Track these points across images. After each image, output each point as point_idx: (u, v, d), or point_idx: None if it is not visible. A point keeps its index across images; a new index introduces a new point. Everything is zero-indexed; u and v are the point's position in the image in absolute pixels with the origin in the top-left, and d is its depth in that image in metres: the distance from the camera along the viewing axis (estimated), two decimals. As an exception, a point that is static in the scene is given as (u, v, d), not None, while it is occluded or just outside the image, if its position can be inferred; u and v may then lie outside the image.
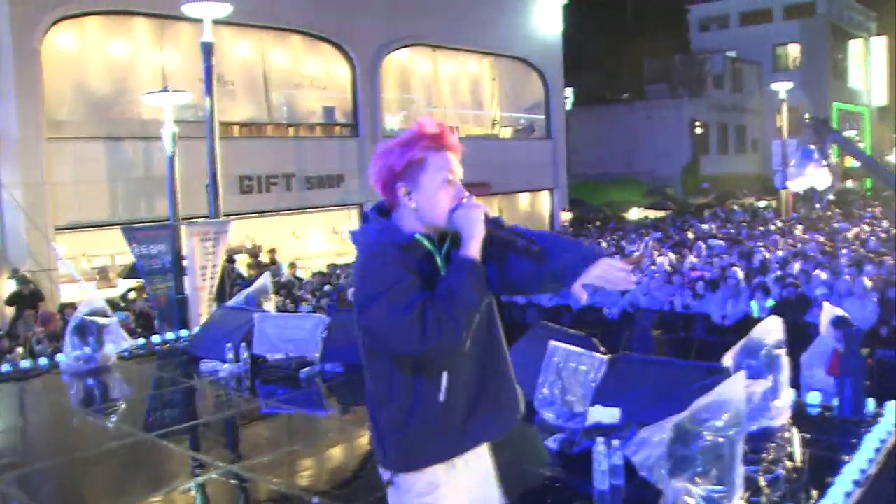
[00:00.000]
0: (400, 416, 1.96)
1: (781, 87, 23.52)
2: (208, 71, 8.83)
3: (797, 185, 23.25)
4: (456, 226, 1.94)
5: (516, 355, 4.50)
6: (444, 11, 18.79)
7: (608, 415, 3.45)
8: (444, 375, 1.97)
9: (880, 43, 43.86)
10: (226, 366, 5.59)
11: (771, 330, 3.90)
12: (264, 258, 15.21)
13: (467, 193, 2.00)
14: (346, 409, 5.03)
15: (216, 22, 9.12)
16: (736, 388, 2.74)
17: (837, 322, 4.59)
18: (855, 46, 43.21)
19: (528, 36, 21.76)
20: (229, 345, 5.67)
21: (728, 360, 3.74)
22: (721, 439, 2.63)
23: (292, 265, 14.35)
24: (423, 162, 1.94)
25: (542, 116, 23.06)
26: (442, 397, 1.96)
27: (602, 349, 4.08)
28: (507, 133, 22.28)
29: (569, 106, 37.56)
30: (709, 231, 17.48)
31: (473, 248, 1.91)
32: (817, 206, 24.79)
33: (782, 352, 3.89)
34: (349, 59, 17.17)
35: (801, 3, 39.38)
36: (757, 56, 37.62)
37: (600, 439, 3.15)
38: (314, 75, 16.93)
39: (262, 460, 3.87)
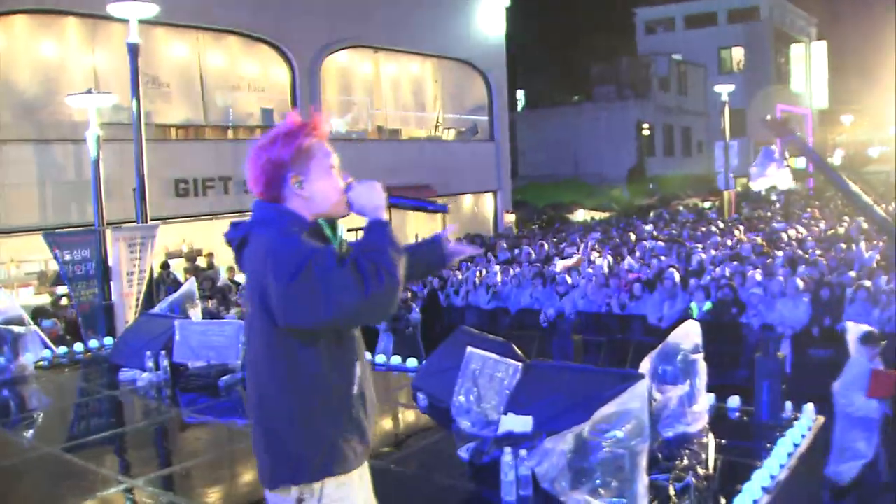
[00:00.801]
0: (313, 413, 1.90)
1: (724, 90, 24.05)
2: (134, 72, 8.64)
3: (759, 184, 23.69)
4: (355, 203, 1.98)
5: (436, 360, 4.56)
6: (385, 13, 18.77)
7: (520, 423, 3.41)
8: (357, 365, 1.98)
9: (821, 47, 45.33)
10: (145, 375, 5.50)
11: (688, 334, 3.89)
12: (202, 262, 14.94)
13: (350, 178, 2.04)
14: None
15: (150, 22, 8.96)
16: (637, 398, 2.71)
17: (866, 338, 4.36)
18: (797, 50, 44.57)
19: (471, 38, 21.89)
20: (149, 353, 5.57)
21: (645, 365, 3.73)
22: (621, 450, 2.59)
23: (231, 269, 14.08)
24: (311, 150, 1.97)
25: (486, 118, 23.19)
26: (355, 389, 1.95)
27: (520, 356, 4.03)
28: (450, 135, 22.38)
29: (519, 108, 38.01)
30: (650, 232, 17.65)
31: (381, 214, 1.94)
32: (777, 205, 25.26)
33: (699, 356, 3.89)
34: (288, 60, 17.02)
35: (745, 8, 40.49)
36: (702, 59, 38.59)
37: (508, 449, 3.10)
38: (252, 77, 16.76)
39: (181, 471, 3.84)
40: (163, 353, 5.52)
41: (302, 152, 1.95)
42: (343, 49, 18.60)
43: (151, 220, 9.11)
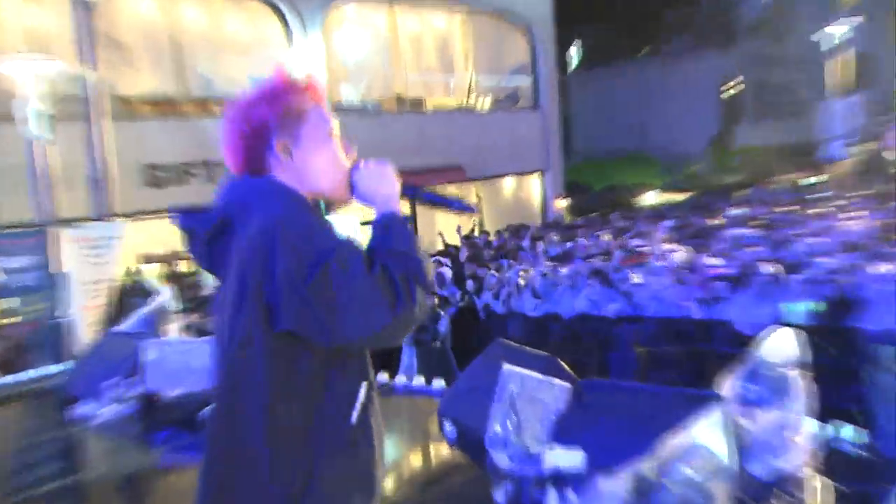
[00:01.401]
0: (300, 451, 1.84)
1: (837, 31, 23.27)
2: (87, 31, 8.68)
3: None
4: (361, 187, 2.01)
5: (467, 381, 4.53)
6: (403, -47, 18.82)
7: (568, 458, 3.36)
8: (362, 389, 1.92)
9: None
10: (107, 407, 5.54)
11: (784, 344, 3.80)
12: (182, 267, 15.07)
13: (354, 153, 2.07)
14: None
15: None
16: (716, 425, 2.65)
17: None
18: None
19: (509, -18, 21.88)
20: (113, 380, 5.59)
21: (727, 383, 3.64)
22: (694, 493, 2.52)
23: (219, 275, 14.26)
24: (302, 111, 2.00)
25: (529, 82, 23.07)
26: (354, 418, 1.89)
27: (569, 373, 4.00)
28: (485, 104, 22.34)
29: (571, 68, 37.79)
30: (738, 217, 17.46)
31: (395, 205, 1.98)
32: None
33: (799, 372, 3.79)
34: (282, 17, 17.07)
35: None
36: None
37: (553, 490, 3.05)
38: (240, 38, 16.84)
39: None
40: (130, 380, 5.54)
41: (291, 113, 1.98)
42: (352, 1, 18.57)
43: (117, 216, 9.13)
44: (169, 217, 2.18)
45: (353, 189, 2.03)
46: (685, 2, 34.91)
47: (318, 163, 2.00)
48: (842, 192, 23.33)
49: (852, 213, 16.15)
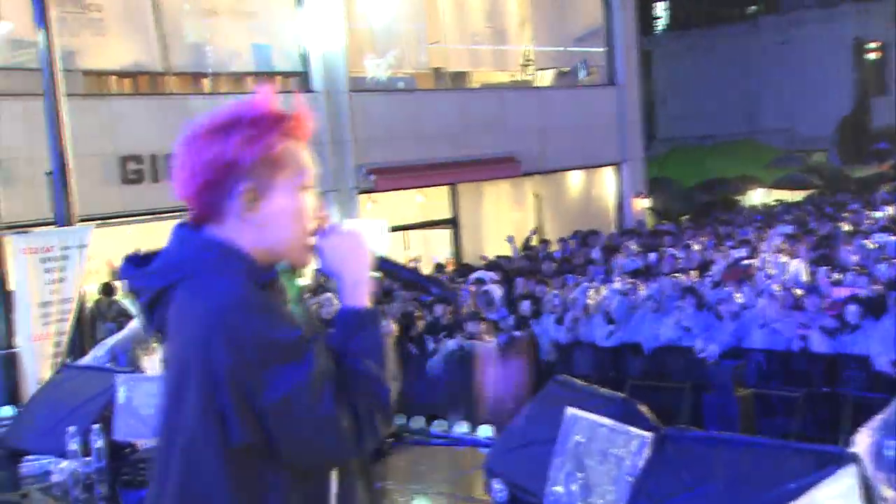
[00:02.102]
0: None
1: None
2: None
3: None
4: (328, 258, 2.12)
5: (522, 428, 4.51)
6: None
7: (650, 531, 3.33)
8: (334, 476, 2.08)
9: None
10: (65, 463, 5.50)
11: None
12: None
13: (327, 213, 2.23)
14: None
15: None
16: (845, 494, 2.60)
17: None
18: None
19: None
20: (73, 428, 5.60)
21: (862, 439, 3.58)
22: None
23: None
24: (283, 157, 2.06)
25: (602, 51, 23.02)
26: None
27: (651, 421, 3.98)
28: (545, 79, 22.35)
29: (657, 31, 37.63)
30: (880, 221, 17.27)
31: (365, 295, 2.10)
32: None
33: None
34: (290, -32, 17.17)
35: None
36: None
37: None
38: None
39: None
40: (96, 427, 5.48)
41: (270, 158, 2.03)
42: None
43: (81, 220, 9.22)
44: (118, 266, 2.22)
45: (319, 257, 2.12)
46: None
47: (284, 222, 2.07)
48: None
49: None
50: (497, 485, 4.44)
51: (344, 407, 1.92)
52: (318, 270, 2.19)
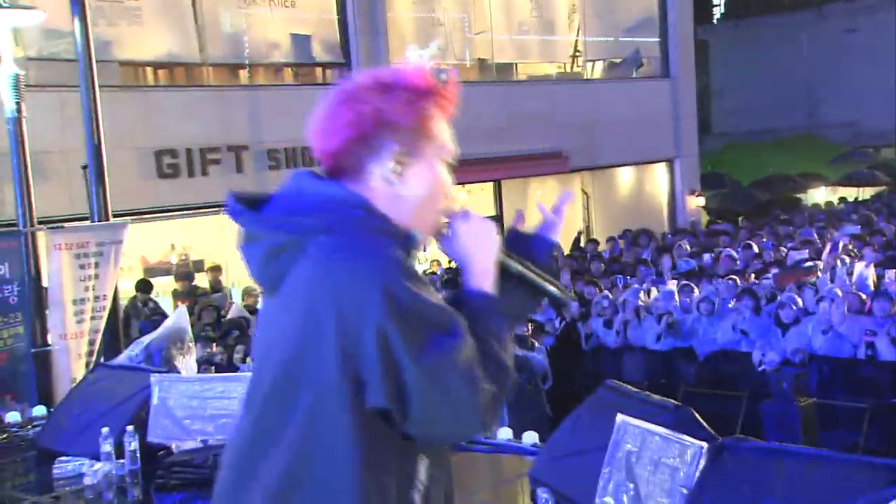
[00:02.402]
0: None
1: None
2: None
3: None
4: (460, 242, 2.16)
5: (569, 435, 4.47)
6: None
7: (707, 547, 3.30)
8: (423, 461, 2.09)
9: None
10: (98, 465, 5.54)
11: None
12: (202, 282, 15.27)
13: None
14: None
15: None
16: None
17: None
18: None
19: None
20: (106, 430, 5.64)
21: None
22: None
23: (248, 292, 14.39)
24: (431, 126, 2.12)
25: (655, 41, 22.96)
26: (417, 498, 2.07)
27: (707, 430, 3.92)
28: (595, 71, 22.36)
29: (713, 20, 37.46)
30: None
31: (491, 283, 2.15)
32: None
33: None
34: (330, -43, 17.23)
35: None
36: None
37: None
38: (276, -13, 17.00)
39: None
40: (130, 429, 5.49)
41: (425, 125, 2.09)
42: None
43: (116, 215, 9.29)
44: (224, 207, 2.20)
45: (446, 239, 2.17)
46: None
47: (425, 192, 2.11)
48: None
49: None
50: (543, 494, 4.41)
51: (480, 384, 1.94)
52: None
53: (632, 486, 3.83)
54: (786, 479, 3.45)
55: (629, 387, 4.62)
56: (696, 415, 4.05)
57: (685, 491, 3.64)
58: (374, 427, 1.97)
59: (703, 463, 3.65)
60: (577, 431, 4.50)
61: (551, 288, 2.26)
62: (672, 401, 4.25)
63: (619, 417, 3.98)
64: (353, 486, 1.97)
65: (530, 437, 5.57)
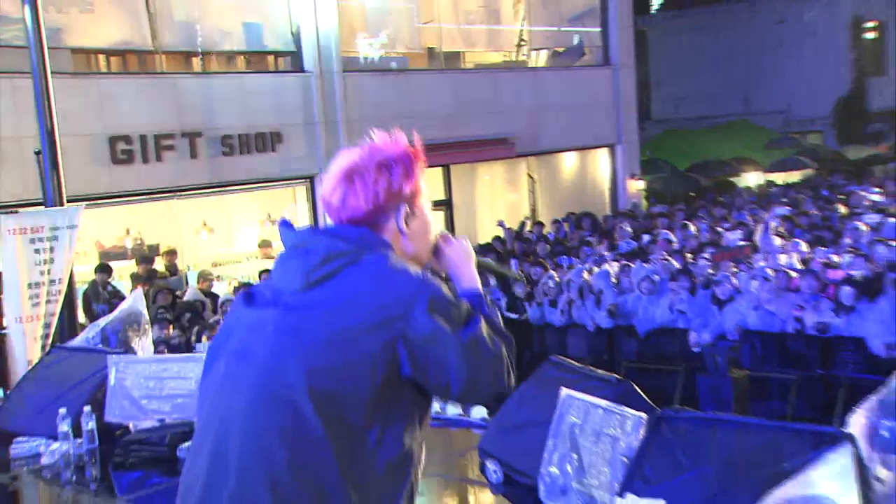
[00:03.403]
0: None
1: None
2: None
3: None
4: (449, 258, 2.72)
5: (515, 410, 4.52)
6: None
7: (647, 511, 3.35)
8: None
9: None
10: (56, 445, 5.51)
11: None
12: (159, 265, 15.18)
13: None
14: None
15: None
16: (841, 474, 2.74)
17: None
18: None
19: None
20: (64, 410, 5.60)
21: (857, 420, 3.60)
22: (810, 557, 2.50)
23: (204, 276, 14.33)
24: (420, 185, 2.62)
25: (597, 31, 23.04)
26: (414, 475, 2.49)
27: (646, 402, 4.03)
28: (539, 59, 22.37)
29: (652, 10, 37.55)
30: (876, 204, 17.32)
31: (477, 283, 2.71)
32: None
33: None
34: (282, -54, 17.09)
35: None
36: None
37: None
38: (227, -26, 16.86)
39: None
40: (87, 409, 5.46)
41: (416, 187, 2.59)
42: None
43: (70, 200, 9.19)
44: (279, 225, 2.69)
45: (438, 258, 2.72)
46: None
47: (423, 234, 2.64)
48: None
49: None
50: (491, 465, 4.47)
51: (501, 349, 2.48)
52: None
53: (575, 456, 3.88)
54: (720, 446, 3.52)
55: (573, 362, 4.66)
56: (637, 388, 4.14)
57: (626, 460, 3.70)
58: (404, 395, 2.43)
59: (642, 433, 3.72)
60: (524, 405, 4.53)
61: (508, 272, 3.07)
62: (614, 375, 4.32)
63: (564, 391, 4.04)
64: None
65: (479, 412, 5.62)
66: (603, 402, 3.91)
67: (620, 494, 3.59)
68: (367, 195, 2.51)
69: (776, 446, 3.38)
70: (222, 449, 2.38)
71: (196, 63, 16.52)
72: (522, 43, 21.91)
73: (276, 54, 17.58)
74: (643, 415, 3.78)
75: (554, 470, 3.93)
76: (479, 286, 2.70)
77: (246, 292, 2.60)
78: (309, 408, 2.33)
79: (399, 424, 2.43)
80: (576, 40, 23.01)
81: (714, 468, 3.46)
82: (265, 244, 16.68)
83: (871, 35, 33.54)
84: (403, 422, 2.44)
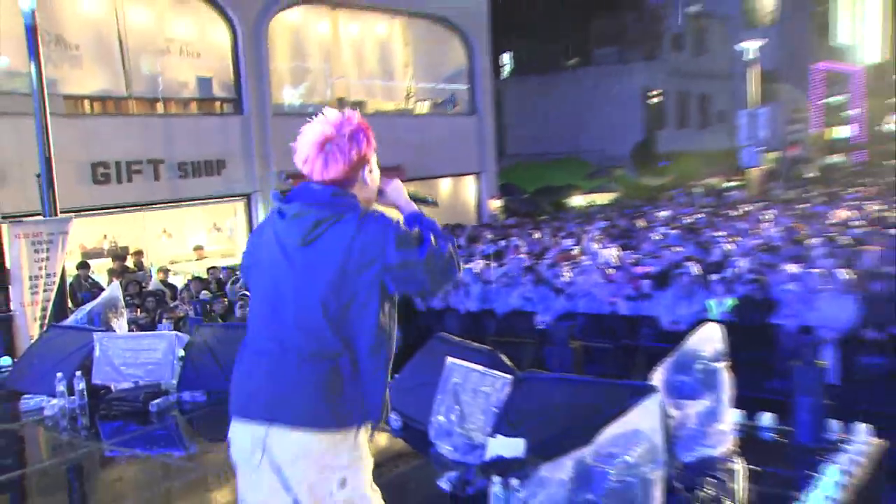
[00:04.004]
0: (382, 370, 2.60)
1: (751, 46, 23.78)
2: (31, 30, 8.58)
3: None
4: (394, 196, 2.74)
5: (410, 374, 4.54)
6: (344, -39, 18.71)
7: (511, 447, 3.41)
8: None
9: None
10: (55, 401, 5.42)
11: (708, 339, 3.87)
12: (130, 262, 14.84)
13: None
14: (208, 446, 4.93)
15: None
16: (650, 415, 2.70)
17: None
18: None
19: (447, -10, 21.82)
20: (60, 374, 5.49)
21: (658, 376, 3.71)
22: (631, 479, 2.57)
23: (163, 270, 14.06)
24: (372, 147, 2.66)
25: (466, 87, 23.19)
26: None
27: (509, 367, 4.04)
28: (423, 108, 22.36)
29: (505, 74, 37.96)
30: (662, 219, 17.80)
31: (413, 207, 2.74)
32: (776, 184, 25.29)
33: (723, 365, 3.87)
34: (228, 19, 16.84)
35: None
36: (725, 10, 37.07)
37: (497, 478, 3.09)
38: (185, 39, 16.54)
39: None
40: (78, 373, 5.45)
41: (372, 149, 2.64)
42: (295, 5, 18.41)
43: (63, 212, 9.03)
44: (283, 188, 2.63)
45: (381, 196, 2.73)
46: (611, 16, 35.29)
47: (375, 183, 2.69)
48: (757, 195, 24.00)
49: (767, 215, 16.63)
50: (393, 416, 4.49)
51: (449, 249, 2.55)
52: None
53: (458, 407, 3.94)
54: (565, 398, 3.61)
55: (454, 337, 4.71)
56: (503, 357, 4.18)
57: (496, 410, 3.77)
58: (391, 308, 2.59)
59: (508, 390, 3.80)
60: (417, 370, 4.58)
61: (428, 196, 2.94)
62: (486, 347, 4.35)
63: (448, 360, 4.10)
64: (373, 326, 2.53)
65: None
66: (478, 367, 3.97)
67: (492, 436, 3.64)
68: (344, 160, 2.55)
69: (605, 397, 3.48)
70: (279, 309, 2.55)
71: (160, 107, 16.25)
72: (410, 95, 21.96)
73: (222, 101, 17.38)
74: (509, 376, 3.86)
75: (441, 418, 3.97)
76: (416, 208, 2.73)
77: (279, 209, 2.65)
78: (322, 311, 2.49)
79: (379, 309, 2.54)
80: (450, 94, 23.13)
81: (561, 414, 3.53)
82: (198, 248, 16.82)
83: (655, 100, 34.59)
84: (381, 308, 2.54)
